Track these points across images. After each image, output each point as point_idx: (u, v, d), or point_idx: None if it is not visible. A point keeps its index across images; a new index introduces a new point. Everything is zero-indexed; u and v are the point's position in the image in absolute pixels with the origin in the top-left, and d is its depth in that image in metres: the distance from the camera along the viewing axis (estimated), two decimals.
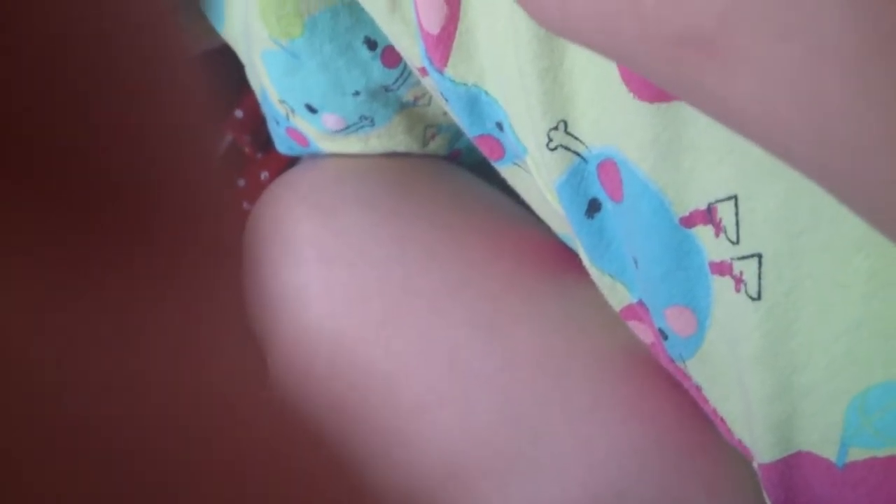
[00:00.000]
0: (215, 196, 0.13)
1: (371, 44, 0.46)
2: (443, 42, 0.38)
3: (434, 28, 0.38)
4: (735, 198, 0.33)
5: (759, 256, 0.33)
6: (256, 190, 0.53)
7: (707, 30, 0.20)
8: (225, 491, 0.11)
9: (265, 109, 0.52)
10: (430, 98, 0.49)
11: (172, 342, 0.11)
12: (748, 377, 0.35)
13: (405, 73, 0.47)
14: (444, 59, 0.38)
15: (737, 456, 0.41)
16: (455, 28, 0.37)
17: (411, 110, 0.50)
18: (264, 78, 0.49)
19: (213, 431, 0.11)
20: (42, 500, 0.09)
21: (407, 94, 0.49)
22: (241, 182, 0.56)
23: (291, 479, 0.12)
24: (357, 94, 0.48)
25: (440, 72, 0.39)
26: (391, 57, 0.46)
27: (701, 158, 0.33)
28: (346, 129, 0.50)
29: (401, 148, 0.51)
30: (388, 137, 0.50)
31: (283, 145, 0.53)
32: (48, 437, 0.09)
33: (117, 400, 0.10)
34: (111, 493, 0.09)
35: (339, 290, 0.46)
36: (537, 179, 0.40)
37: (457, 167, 0.53)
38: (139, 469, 0.10)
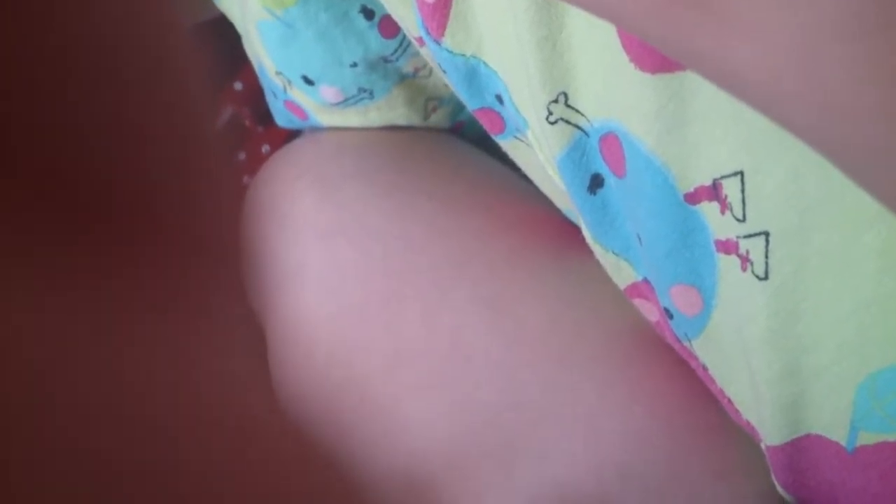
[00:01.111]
0: (215, 179, 0.12)
1: (368, 13, 0.45)
2: (439, 11, 0.37)
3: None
4: (741, 173, 0.32)
5: (767, 235, 0.32)
6: (257, 163, 0.52)
7: None
8: (224, 494, 0.10)
9: (263, 82, 0.51)
10: (431, 69, 0.48)
11: (172, 338, 0.11)
12: (756, 358, 0.34)
13: (404, 44, 0.46)
14: (441, 28, 0.37)
15: (745, 437, 0.41)
16: None
17: (411, 82, 0.49)
18: (260, 49, 0.48)
19: (212, 433, 0.11)
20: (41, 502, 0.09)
21: (406, 66, 0.48)
22: (242, 155, 0.55)
23: (290, 484, 0.12)
24: (355, 65, 0.47)
25: (437, 42, 0.38)
26: (389, 27, 0.45)
27: (706, 131, 0.32)
28: (345, 102, 0.49)
29: (401, 121, 0.50)
30: (388, 110, 0.49)
31: (281, 118, 0.53)
32: (45, 440, 0.09)
33: (115, 401, 0.10)
34: (109, 496, 0.09)
35: (339, 266, 0.46)
36: (538, 154, 0.39)
37: (459, 140, 0.52)
38: (137, 471, 0.09)
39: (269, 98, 0.52)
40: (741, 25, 0.20)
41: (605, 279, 0.42)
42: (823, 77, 0.19)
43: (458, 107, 0.51)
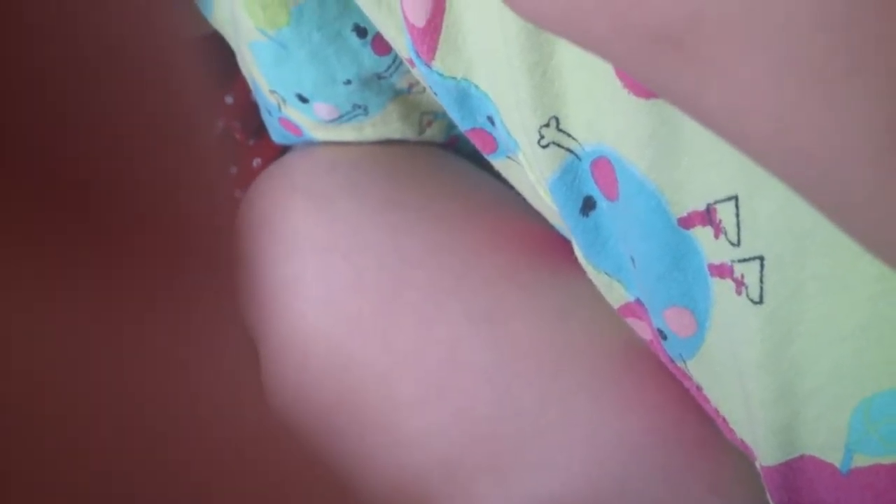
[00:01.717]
0: (210, 188, 0.12)
1: (361, 31, 0.45)
2: (429, 35, 0.36)
3: (419, 21, 0.36)
4: (735, 198, 0.32)
5: (761, 259, 0.32)
6: (248, 177, 0.52)
7: (677, 30, 0.20)
8: (218, 493, 0.11)
9: (258, 100, 0.51)
10: None
11: (166, 343, 0.11)
12: (750, 381, 0.34)
13: (398, 61, 0.46)
14: (432, 52, 0.37)
15: (739, 451, 0.41)
16: (441, 21, 0.36)
17: (406, 97, 0.49)
18: (254, 69, 0.47)
19: (207, 435, 0.11)
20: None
21: (400, 82, 0.47)
22: (233, 169, 0.55)
23: (285, 488, 0.12)
24: (348, 82, 0.46)
25: (428, 65, 0.37)
26: (382, 44, 0.45)
27: (700, 156, 0.32)
28: (340, 119, 0.48)
29: (396, 135, 0.50)
30: (382, 125, 0.49)
31: (276, 135, 0.52)
32: (43, 440, 0.09)
33: (112, 401, 0.10)
34: (107, 496, 0.09)
35: (333, 281, 0.46)
36: (530, 175, 0.39)
37: (454, 155, 0.51)
38: (133, 471, 0.10)
39: (264, 115, 0.52)
40: (713, 67, 0.20)
41: (599, 295, 0.42)
42: (789, 121, 0.20)
43: (453, 122, 0.50)
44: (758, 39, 0.19)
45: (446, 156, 0.51)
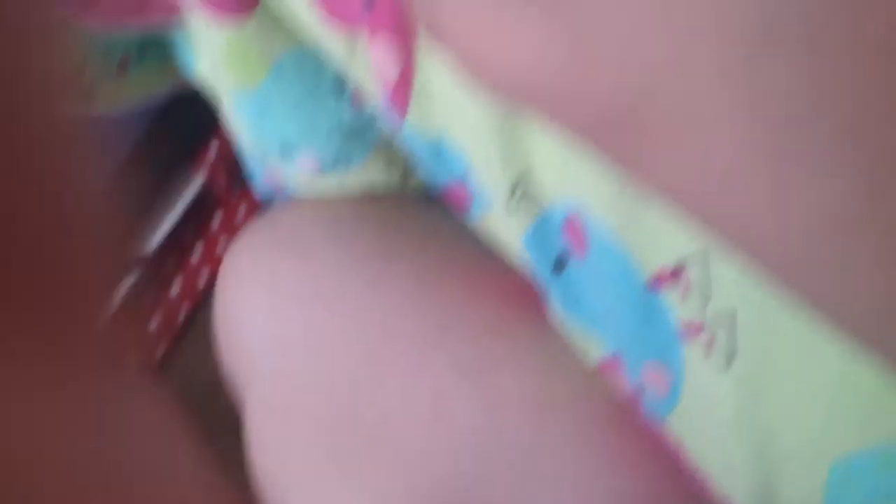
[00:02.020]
0: (90, 263, 0.12)
1: (341, 83, 0.45)
2: (400, 92, 0.37)
3: (390, 78, 0.36)
4: (704, 255, 0.31)
5: (731, 317, 0.32)
6: (233, 225, 0.52)
7: (620, 116, 0.20)
8: None
9: (241, 153, 0.51)
10: None
11: (70, 410, 0.11)
12: (726, 440, 0.34)
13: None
14: (403, 109, 0.37)
15: None
16: (412, 78, 0.36)
17: (388, 146, 0.49)
18: (235, 122, 0.48)
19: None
20: None
21: (383, 131, 0.47)
22: (218, 216, 0.55)
23: None
24: (330, 133, 0.46)
25: (401, 120, 0.38)
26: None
27: (667, 214, 0.32)
28: (322, 170, 0.48)
29: (380, 185, 0.50)
30: (365, 175, 0.49)
31: (260, 189, 0.52)
32: None
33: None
34: None
35: (317, 336, 0.45)
36: (504, 233, 0.39)
37: (438, 206, 0.51)
38: None
39: (247, 169, 0.52)
40: (658, 148, 0.20)
41: None
42: (734, 199, 0.20)
43: None
44: (701, 121, 0.19)
45: (430, 206, 0.51)
